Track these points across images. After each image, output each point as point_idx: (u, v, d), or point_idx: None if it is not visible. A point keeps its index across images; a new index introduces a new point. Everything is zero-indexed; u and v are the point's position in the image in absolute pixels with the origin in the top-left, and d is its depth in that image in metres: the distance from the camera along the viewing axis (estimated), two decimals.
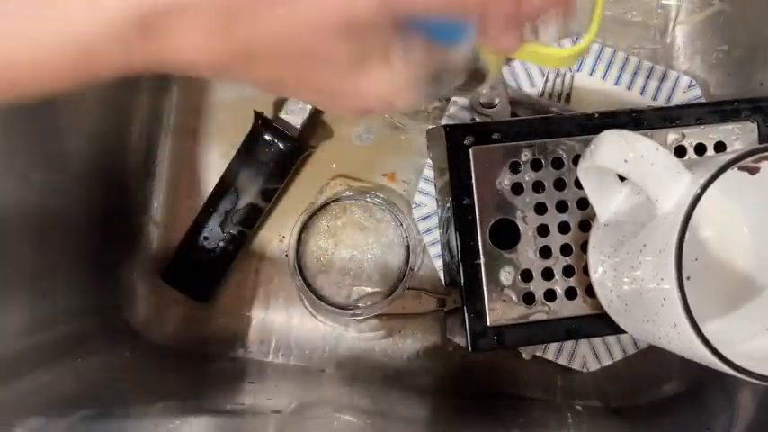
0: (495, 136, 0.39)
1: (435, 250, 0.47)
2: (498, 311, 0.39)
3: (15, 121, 0.38)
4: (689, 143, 0.40)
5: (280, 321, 0.50)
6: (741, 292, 0.36)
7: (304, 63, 0.24)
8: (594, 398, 0.49)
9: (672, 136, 0.40)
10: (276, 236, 0.50)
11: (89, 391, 0.39)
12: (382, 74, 0.25)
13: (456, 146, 0.39)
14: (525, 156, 0.40)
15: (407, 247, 0.48)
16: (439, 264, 0.48)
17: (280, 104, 0.47)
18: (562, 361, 0.47)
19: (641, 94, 0.48)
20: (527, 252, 0.39)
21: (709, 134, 0.40)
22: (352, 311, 0.47)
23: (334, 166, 0.50)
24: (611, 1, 0.50)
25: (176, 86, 0.51)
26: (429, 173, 0.48)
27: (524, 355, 0.47)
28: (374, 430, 0.42)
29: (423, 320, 0.49)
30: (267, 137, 0.46)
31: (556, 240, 0.40)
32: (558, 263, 0.40)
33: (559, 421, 0.47)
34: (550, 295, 0.39)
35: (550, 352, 0.47)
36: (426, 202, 0.48)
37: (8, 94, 0.23)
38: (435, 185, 0.47)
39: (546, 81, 0.48)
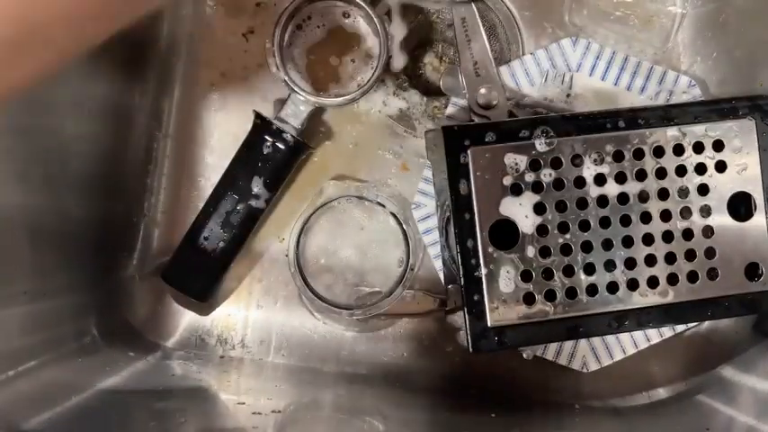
0: (492, 136, 0.40)
1: (435, 250, 0.48)
2: (499, 312, 0.39)
3: (16, 122, 0.38)
4: (687, 141, 0.40)
5: (280, 321, 0.50)
6: None
7: None
8: (594, 398, 0.49)
9: (670, 134, 0.40)
10: (276, 236, 0.50)
11: (89, 392, 0.39)
12: None
13: (454, 146, 0.39)
14: (524, 156, 0.40)
15: (407, 247, 0.48)
16: (439, 264, 0.48)
17: (280, 104, 0.47)
18: (562, 361, 0.47)
19: (641, 93, 0.48)
20: (527, 252, 0.39)
21: (708, 132, 0.40)
22: (352, 311, 0.47)
23: (334, 166, 0.50)
24: (613, 6, 0.50)
25: (177, 87, 0.51)
26: (429, 173, 0.48)
27: (524, 356, 0.47)
28: (373, 430, 0.42)
29: (423, 320, 0.49)
30: (267, 137, 0.46)
31: (555, 240, 0.40)
32: (557, 263, 0.40)
33: (559, 421, 0.46)
34: (551, 295, 0.40)
35: (550, 352, 0.47)
36: (426, 202, 0.48)
37: None
38: (434, 186, 0.47)
39: (545, 81, 0.48)
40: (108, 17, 0.27)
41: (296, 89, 0.46)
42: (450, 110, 0.48)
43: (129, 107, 0.49)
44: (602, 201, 0.40)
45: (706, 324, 0.49)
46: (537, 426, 0.46)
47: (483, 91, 0.45)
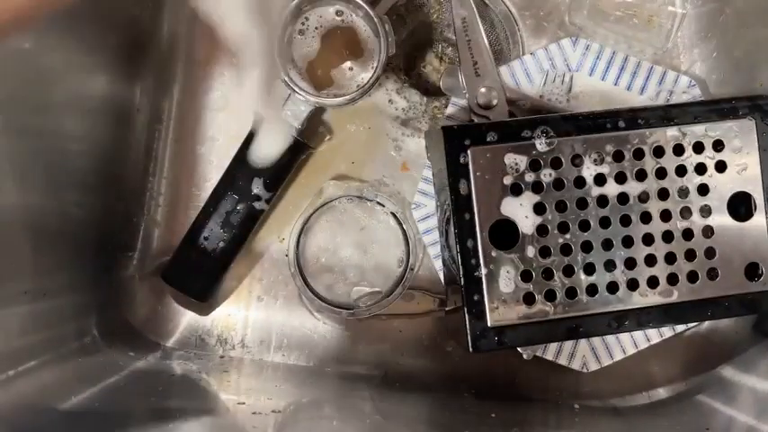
0: (493, 136, 0.40)
1: (435, 250, 0.48)
2: (499, 312, 0.39)
3: (16, 121, 0.38)
4: (687, 141, 0.40)
5: (280, 321, 0.50)
6: None
7: None
8: (594, 398, 0.49)
9: (670, 134, 0.40)
10: (276, 236, 0.50)
11: (89, 392, 0.39)
12: None
13: (454, 146, 0.39)
14: (524, 156, 0.40)
15: (407, 247, 0.48)
16: (439, 264, 0.48)
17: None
18: (562, 361, 0.47)
19: (641, 93, 0.48)
20: (527, 252, 0.39)
21: (708, 132, 0.40)
22: (352, 311, 0.47)
23: (334, 166, 0.50)
24: (613, 6, 0.50)
25: (177, 86, 0.51)
26: (429, 173, 0.48)
27: (524, 355, 0.47)
28: (373, 430, 0.42)
29: (423, 320, 0.49)
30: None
31: (555, 240, 0.40)
32: (557, 263, 0.40)
33: (559, 421, 0.47)
34: (550, 295, 0.39)
35: (550, 352, 0.47)
36: (426, 202, 0.48)
37: None
38: (434, 186, 0.47)
39: (545, 81, 0.48)
40: None
41: (296, 89, 0.46)
42: (450, 110, 0.48)
43: (130, 107, 0.49)
44: (602, 201, 0.40)
45: (706, 324, 0.49)
46: (537, 426, 0.46)
47: (483, 91, 0.45)
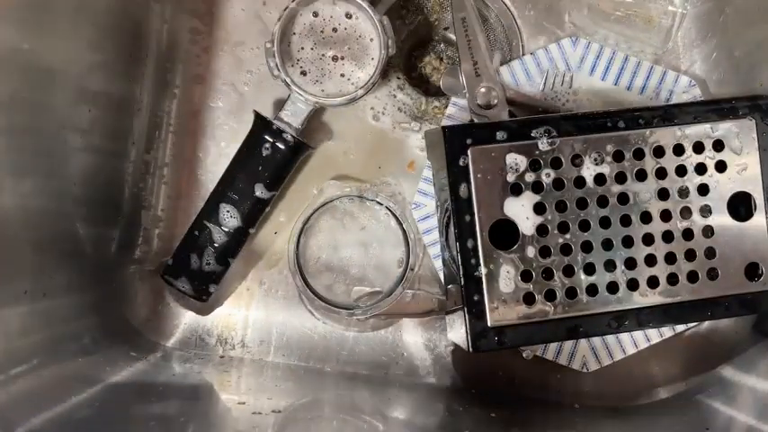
0: (493, 136, 0.40)
1: (435, 250, 0.48)
2: (499, 312, 0.39)
3: (16, 121, 0.38)
4: (687, 142, 0.40)
5: (280, 321, 0.50)
6: None
7: None
8: (594, 398, 0.49)
9: (670, 134, 0.40)
10: (276, 236, 0.50)
11: (89, 392, 0.39)
12: None
13: (454, 146, 0.39)
14: (524, 156, 0.40)
15: (407, 247, 0.48)
16: (439, 264, 0.48)
17: (280, 104, 0.47)
18: (562, 361, 0.47)
19: (641, 93, 0.48)
20: (527, 252, 0.40)
21: (708, 132, 0.40)
22: (352, 311, 0.47)
23: (334, 166, 0.50)
24: (613, 6, 0.50)
25: (177, 86, 0.51)
26: (429, 173, 0.48)
27: (524, 355, 0.47)
28: (374, 430, 0.42)
29: (423, 320, 0.49)
30: (267, 137, 0.46)
31: (555, 240, 0.40)
32: (557, 263, 0.40)
33: (559, 421, 0.47)
34: (551, 295, 0.40)
35: (550, 352, 0.47)
36: (426, 202, 0.48)
37: None
38: (434, 186, 0.47)
39: (545, 81, 0.48)
40: None
41: (296, 89, 0.46)
42: (450, 110, 0.48)
43: (130, 107, 0.49)
44: (602, 201, 0.40)
45: (706, 324, 0.49)
46: (537, 426, 0.46)
47: (483, 91, 0.45)
